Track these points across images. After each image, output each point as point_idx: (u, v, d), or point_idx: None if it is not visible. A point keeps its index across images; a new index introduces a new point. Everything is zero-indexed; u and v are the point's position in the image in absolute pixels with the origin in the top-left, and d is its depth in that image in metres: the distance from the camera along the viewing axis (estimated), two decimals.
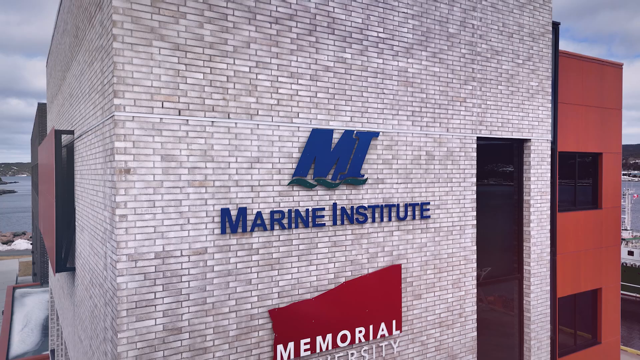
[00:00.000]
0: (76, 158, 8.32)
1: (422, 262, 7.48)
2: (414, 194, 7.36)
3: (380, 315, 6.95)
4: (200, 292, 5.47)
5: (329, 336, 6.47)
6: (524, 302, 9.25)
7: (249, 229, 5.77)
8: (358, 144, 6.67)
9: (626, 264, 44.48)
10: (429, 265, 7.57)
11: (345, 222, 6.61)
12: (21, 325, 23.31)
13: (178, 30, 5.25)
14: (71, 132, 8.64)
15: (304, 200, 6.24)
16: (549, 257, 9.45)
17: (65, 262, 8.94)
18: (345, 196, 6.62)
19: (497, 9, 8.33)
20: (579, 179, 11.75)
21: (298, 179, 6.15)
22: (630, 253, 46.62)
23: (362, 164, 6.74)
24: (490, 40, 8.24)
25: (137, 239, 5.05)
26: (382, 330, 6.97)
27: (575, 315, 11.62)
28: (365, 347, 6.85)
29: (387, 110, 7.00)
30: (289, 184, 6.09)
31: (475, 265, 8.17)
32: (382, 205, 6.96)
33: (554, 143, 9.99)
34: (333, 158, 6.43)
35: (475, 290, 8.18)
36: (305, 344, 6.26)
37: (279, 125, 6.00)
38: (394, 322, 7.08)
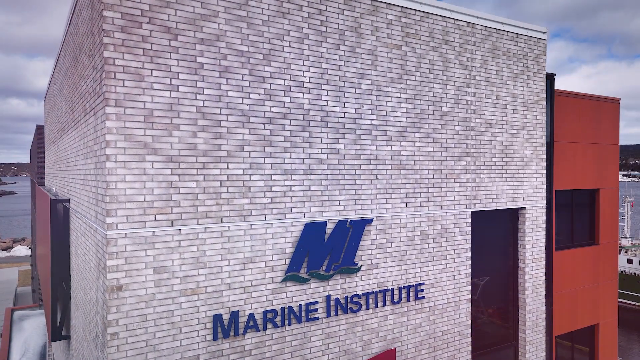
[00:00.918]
0: (71, 230, 8.32)
1: (417, 343, 7.47)
2: (408, 276, 7.36)
3: None
4: None
5: None
6: None
7: (241, 332, 5.76)
8: (352, 232, 6.68)
9: (625, 272, 44.26)
10: (424, 345, 7.56)
11: (339, 312, 6.61)
12: (19, 354, 23.08)
13: (171, 142, 5.28)
14: (67, 201, 8.66)
15: (297, 295, 6.24)
16: (544, 323, 9.44)
17: (61, 330, 8.93)
18: (339, 285, 6.62)
19: (491, 82, 8.38)
20: (576, 214, 11.67)
21: (291, 275, 6.16)
22: (630, 261, 46.47)
23: (356, 251, 6.75)
24: (484, 114, 8.28)
25: (129, 355, 5.05)
26: None
27: (573, 354, 11.59)
28: None
29: (381, 195, 7.03)
30: (282, 281, 6.09)
31: (470, 339, 8.16)
32: (376, 292, 6.96)
33: (549, 186, 9.93)
34: (327, 250, 6.44)
35: None
36: None
37: (272, 223, 6.01)
38: None
